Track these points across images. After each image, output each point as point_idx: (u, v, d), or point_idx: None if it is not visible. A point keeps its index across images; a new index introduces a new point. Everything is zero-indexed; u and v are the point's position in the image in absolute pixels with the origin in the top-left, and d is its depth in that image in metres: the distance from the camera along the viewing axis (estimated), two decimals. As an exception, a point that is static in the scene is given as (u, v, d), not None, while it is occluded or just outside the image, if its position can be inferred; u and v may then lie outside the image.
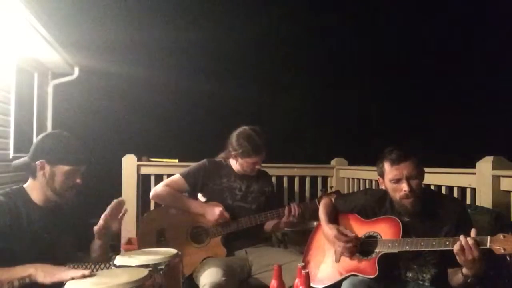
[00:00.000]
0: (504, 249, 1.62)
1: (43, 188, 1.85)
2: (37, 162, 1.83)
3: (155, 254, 1.83)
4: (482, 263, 1.71)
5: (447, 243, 1.78)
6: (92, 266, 1.78)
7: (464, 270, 1.79)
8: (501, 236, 1.65)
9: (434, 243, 1.82)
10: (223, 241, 2.53)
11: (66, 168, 1.84)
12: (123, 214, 1.96)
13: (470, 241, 1.68)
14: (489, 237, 1.68)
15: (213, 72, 9.67)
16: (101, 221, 1.91)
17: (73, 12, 7.58)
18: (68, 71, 6.51)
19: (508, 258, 1.66)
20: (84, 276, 1.58)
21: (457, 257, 1.73)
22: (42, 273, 1.64)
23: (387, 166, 2.00)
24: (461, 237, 1.71)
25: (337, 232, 2.10)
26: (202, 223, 2.55)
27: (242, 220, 2.56)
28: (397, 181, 1.97)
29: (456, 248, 1.71)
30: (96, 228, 1.92)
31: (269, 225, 2.69)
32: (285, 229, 3.22)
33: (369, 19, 11.04)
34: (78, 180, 1.88)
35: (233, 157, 2.64)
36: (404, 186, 1.94)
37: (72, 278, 1.57)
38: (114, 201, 1.93)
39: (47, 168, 1.83)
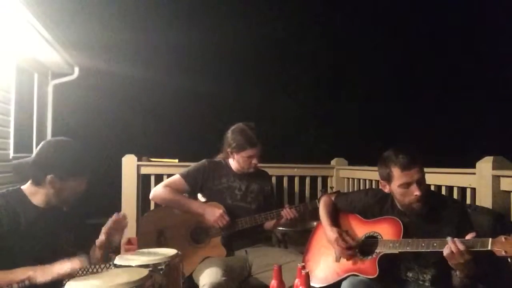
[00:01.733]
0: (506, 252, 1.62)
1: (48, 196, 1.86)
2: (47, 177, 1.81)
3: (155, 254, 1.83)
4: (473, 265, 1.71)
5: None
6: (92, 266, 1.78)
7: (458, 272, 1.80)
8: (502, 238, 1.65)
9: (435, 244, 1.81)
10: (223, 241, 2.53)
11: (75, 182, 1.87)
12: (125, 227, 1.95)
13: (460, 246, 1.69)
14: (490, 239, 1.67)
15: (213, 72, 9.67)
16: (102, 236, 1.91)
17: (73, 12, 7.58)
18: (68, 71, 6.51)
19: (509, 260, 1.65)
20: (82, 266, 1.61)
21: (448, 261, 1.73)
22: (41, 272, 1.65)
23: (396, 171, 1.97)
24: (449, 240, 1.71)
25: (338, 236, 2.10)
26: (202, 223, 2.55)
27: (242, 220, 2.56)
28: (408, 185, 1.95)
29: (445, 251, 1.71)
30: (98, 241, 1.92)
31: (269, 223, 2.69)
32: (285, 229, 3.22)
33: (369, 18, 11.04)
34: (82, 187, 1.91)
35: (230, 154, 2.64)
36: (416, 191, 1.93)
37: (72, 269, 1.60)
38: (115, 215, 1.92)
39: (57, 182, 1.83)
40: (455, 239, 1.72)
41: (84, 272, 1.64)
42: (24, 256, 1.73)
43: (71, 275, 1.63)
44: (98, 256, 1.93)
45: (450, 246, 1.70)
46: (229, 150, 2.62)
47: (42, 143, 1.91)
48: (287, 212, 2.56)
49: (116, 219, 1.91)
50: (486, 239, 1.69)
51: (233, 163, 2.66)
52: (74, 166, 1.86)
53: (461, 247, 1.68)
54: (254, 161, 2.62)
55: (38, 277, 1.64)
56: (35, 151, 1.88)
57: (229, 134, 2.63)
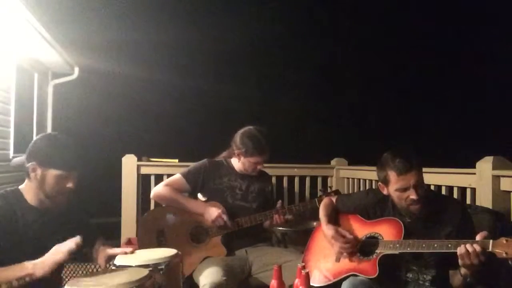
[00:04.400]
0: (506, 253, 1.62)
1: (36, 190, 1.83)
2: (29, 164, 1.81)
3: (155, 254, 1.83)
4: (483, 265, 1.71)
5: (449, 245, 1.77)
6: (92, 266, 1.78)
7: (463, 270, 1.80)
8: (503, 240, 1.64)
9: (435, 245, 1.81)
10: (223, 241, 2.53)
11: (56, 172, 1.79)
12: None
13: (477, 247, 1.68)
14: (491, 241, 1.67)
15: (213, 72, 9.67)
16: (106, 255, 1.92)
17: (73, 12, 7.58)
18: (68, 71, 6.51)
19: (510, 262, 1.65)
20: (77, 245, 1.62)
21: (460, 260, 1.72)
22: (40, 265, 1.63)
23: (392, 176, 1.96)
24: (468, 245, 1.70)
25: (335, 233, 2.10)
26: (202, 223, 2.55)
27: (242, 220, 2.56)
28: (404, 190, 1.95)
29: (461, 251, 1.71)
30: (101, 259, 1.93)
31: (267, 222, 2.69)
32: (285, 229, 3.22)
33: (369, 18, 11.04)
34: (69, 185, 1.83)
35: (236, 156, 2.64)
36: (413, 194, 1.92)
37: (68, 252, 1.62)
38: (127, 249, 1.91)
39: (39, 171, 1.80)
40: (467, 241, 1.71)
41: (84, 272, 1.64)
42: (22, 257, 1.72)
43: (69, 259, 1.64)
44: (102, 264, 1.93)
45: (467, 249, 1.69)
46: (236, 152, 2.62)
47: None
48: (277, 218, 2.57)
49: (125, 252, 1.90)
50: (487, 241, 1.69)
51: (237, 163, 2.67)
52: (56, 156, 1.79)
53: (478, 248, 1.68)
54: (260, 166, 2.63)
55: (38, 270, 1.62)
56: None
57: (238, 137, 2.63)
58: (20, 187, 1.88)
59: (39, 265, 1.64)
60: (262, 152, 2.58)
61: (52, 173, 1.79)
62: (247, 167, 2.62)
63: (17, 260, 1.69)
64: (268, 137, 2.61)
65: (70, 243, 1.65)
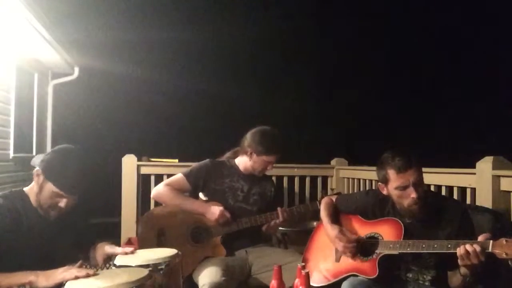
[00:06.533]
0: (506, 254, 1.62)
1: (37, 195, 1.85)
2: (36, 168, 1.83)
3: (155, 254, 1.83)
4: (483, 265, 1.71)
5: (449, 246, 1.77)
6: (93, 266, 1.78)
7: (462, 270, 1.80)
8: (503, 240, 1.65)
9: (435, 246, 1.81)
10: (223, 241, 2.53)
11: (53, 188, 1.80)
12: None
13: (477, 248, 1.68)
14: (491, 241, 1.67)
15: (213, 72, 9.67)
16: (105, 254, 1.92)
17: (73, 12, 7.57)
18: (68, 71, 6.52)
19: (510, 262, 1.65)
20: (88, 275, 1.58)
21: (460, 261, 1.72)
22: (44, 277, 1.62)
23: (392, 174, 1.97)
24: (467, 245, 1.70)
25: (338, 232, 2.10)
26: (203, 223, 2.55)
27: (243, 220, 2.55)
28: (404, 188, 1.94)
29: (461, 251, 1.71)
30: (99, 256, 1.93)
31: (268, 227, 2.67)
32: (285, 229, 3.22)
33: (369, 18, 11.04)
34: (61, 205, 1.83)
35: (247, 154, 2.61)
36: (413, 193, 1.92)
37: (76, 277, 1.57)
38: (126, 248, 1.90)
39: (41, 178, 1.82)
40: (467, 242, 1.71)
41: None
42: (25, 257, 1.72)
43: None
44: (99, 262, 1.93)
45: (466, 249, 1.69)
46: (249, 150, 2.60)
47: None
48: (280, 212, 2.56)
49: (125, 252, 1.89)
50: (486, 241, 1.69)
51: (244, 163, 2.65)
52: (60, 174, 1.81)
53: (478, 248, 1.68)
54: (270, 166, 2.62)
55: (41, 282, 1.62)
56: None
57: (252, 135, 2.61)
58: (25, 188, 1.90)
59: (43, 277, 1.63)
60: (276, 151, 2.57)
61: (49, 186, 1.81)
62: (257, 166, 2.60)
63: (19, 260, 1.69)
64: (282, 138, 2.61)
65: (82, 271, 1.62)
